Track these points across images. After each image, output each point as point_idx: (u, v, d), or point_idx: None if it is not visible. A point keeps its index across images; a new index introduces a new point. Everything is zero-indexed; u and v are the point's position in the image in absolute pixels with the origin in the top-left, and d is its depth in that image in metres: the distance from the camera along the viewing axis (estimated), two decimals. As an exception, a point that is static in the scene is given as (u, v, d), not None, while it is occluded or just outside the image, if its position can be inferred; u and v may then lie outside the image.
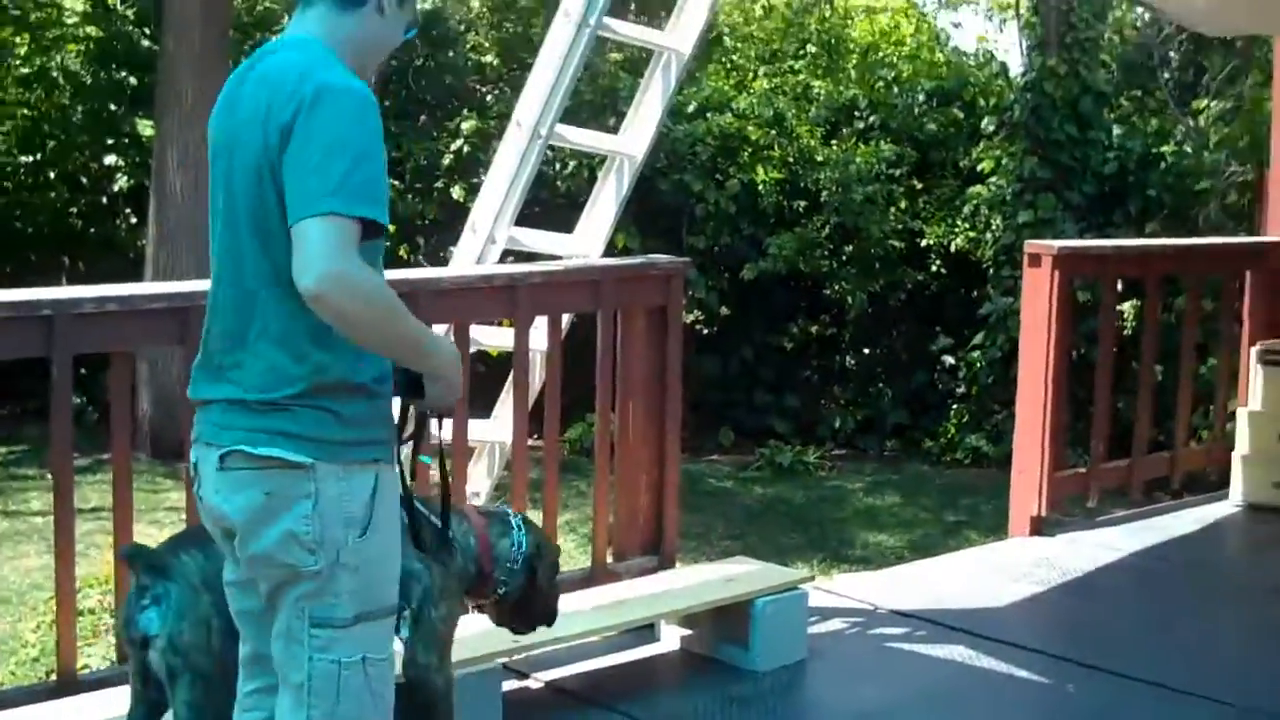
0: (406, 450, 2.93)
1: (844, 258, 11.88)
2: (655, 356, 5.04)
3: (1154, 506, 7.02)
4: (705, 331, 12.50)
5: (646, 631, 5.04)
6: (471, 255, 5.32)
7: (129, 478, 3.98)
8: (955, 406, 11.29)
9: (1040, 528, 6.47)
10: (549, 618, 3.85)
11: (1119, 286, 7.73)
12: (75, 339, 3.80)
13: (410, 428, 2.90)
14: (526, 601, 3.72)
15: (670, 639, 4.97)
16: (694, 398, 12.05)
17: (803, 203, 12.08)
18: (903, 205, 11.96)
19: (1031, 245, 6.53)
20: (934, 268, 12.01)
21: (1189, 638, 5.28)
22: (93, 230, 12.20)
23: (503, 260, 5.56)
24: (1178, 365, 7.31)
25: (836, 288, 11.84)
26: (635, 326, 5.01)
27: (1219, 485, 7.22)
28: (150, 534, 5.71)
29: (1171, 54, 12.50)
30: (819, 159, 11.94)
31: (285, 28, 2.90)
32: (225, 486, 2.73)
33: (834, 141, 12.28)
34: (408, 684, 3.39)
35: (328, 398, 2.68)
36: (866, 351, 12.40)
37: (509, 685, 4.50)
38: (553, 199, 11.07)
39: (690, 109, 12.09)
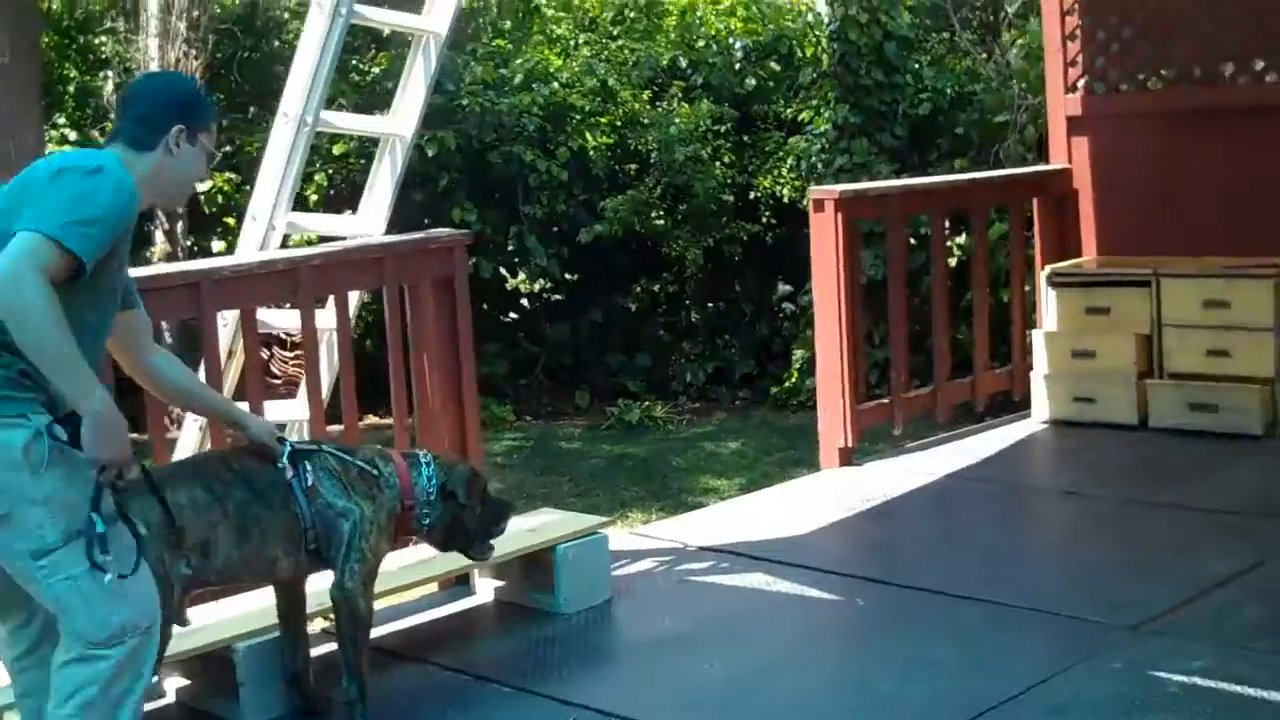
0: None
1: (678, 216, 12.16)
2: (446, 327, 5.25)
3: (960, 430, 7.37)
4: (552, 299, 12.76)
5: (462, 588, 5.29)
6: (255, 243, 5.51)
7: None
8: (796, 352, 11.63)
9: (849, 459, 6.81)
10: (495, 529, 4.33)
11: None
12: None
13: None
14: (458, 525, 4.19)
15: (485, 592, 5.23)
16: (547, 363, 12.35)
17: (633, 165, 12.34)
18: (728, 160, 12.25)
19: (815, 192, 6.86)
20: (765, 219, 12.34)
21: (977, 547, 5.64)
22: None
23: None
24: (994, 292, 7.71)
25: (674, 246, 12.11)
26: (424, 299, 5.23)
27: (1023, 406, 7.60)
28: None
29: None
30: (645, 122, 12.20)
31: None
32: None
33: (659, 104, 12.55)
34: (334, 605, 3.99)
35: None
36: (710, 306, 12.70)
37: (325, 649, 4.73)
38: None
39: (517, 80, 12.28)
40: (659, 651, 4.71)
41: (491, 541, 4.35)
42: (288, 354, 10.25)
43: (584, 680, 4.46)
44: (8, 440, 3.10)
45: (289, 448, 3.92)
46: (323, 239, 6.03)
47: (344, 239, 5.86)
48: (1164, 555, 5.34)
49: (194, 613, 4.09)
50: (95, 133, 12.26)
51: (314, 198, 11.46)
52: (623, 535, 6.09)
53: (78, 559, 3.15)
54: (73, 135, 12.01)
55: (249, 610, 4.37)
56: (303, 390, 5.52)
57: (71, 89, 12.61)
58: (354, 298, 5.72)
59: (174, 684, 4.52)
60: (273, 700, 4.25)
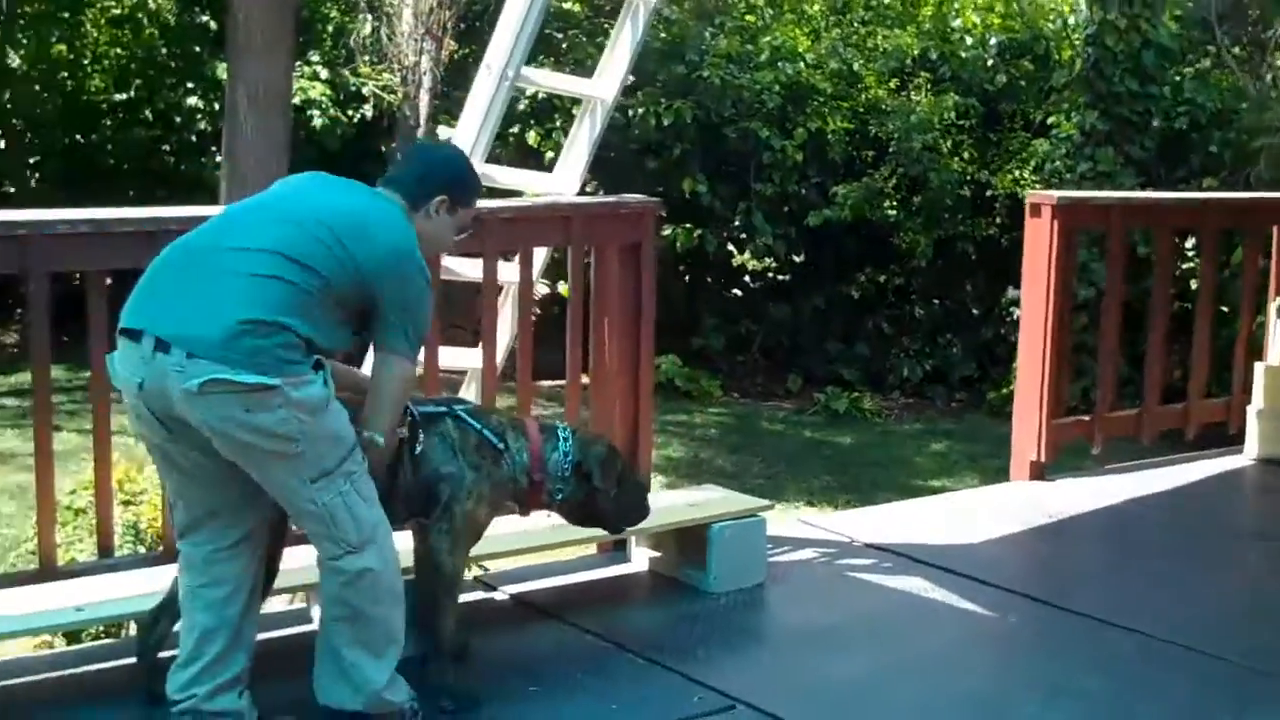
0: None
1: (911, 208, 11.96)
2: (630, 293, 5.22)
3: (1164, 458, 7.08)
4: (777, 279, 12.69)
5: (619, 553, 5.30)
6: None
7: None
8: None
9: (1040, 473, 6.59)
10: (634, 512, 4.32)
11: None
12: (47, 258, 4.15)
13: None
14: (592, 503, 4.16)
15: (640, 561, 5.22)
16: (764, 343, 12.31)
17: (870, 152, 12.18)
18: (968, 156, 11.99)
19: (1032, 196, 6.63)
20: (1001, 220, 12.04)
21: (1148, 578, 5.41)
22: (182, 167, 12.68)
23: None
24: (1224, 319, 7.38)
25: (904, 237, 11.93)
26: (609, 263, 5.21)
27: (1237, 441, 7.25)
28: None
29: (1251, 10, 12.33)
30: (887, 109, 12.02)
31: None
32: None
33: (904, 92, 12.34)
34: (419, 560, 3.99)
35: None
36: (936, 302, 12.47)
37: (477, 595, 4.79)
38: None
39: (762, 57, 12.23)
40: (798, 643, 4.64)
41: (625, 524, 4.33)
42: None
43: (718, 662, 4.41)
44: (310, 393, 3.44)
45: (411, 415, 3.89)
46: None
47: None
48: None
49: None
50: (346, 72, 12.63)
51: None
52: (791, 522, 6.01)
53: (344, 476, 3.53)
54: (324, 73, 12.39)
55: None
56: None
57: (330, 28, 12.99)
58: (540, 255, 5.73)
59: (644, 553, 5.12)
60: (741, 574, 4.81)
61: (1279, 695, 4.26)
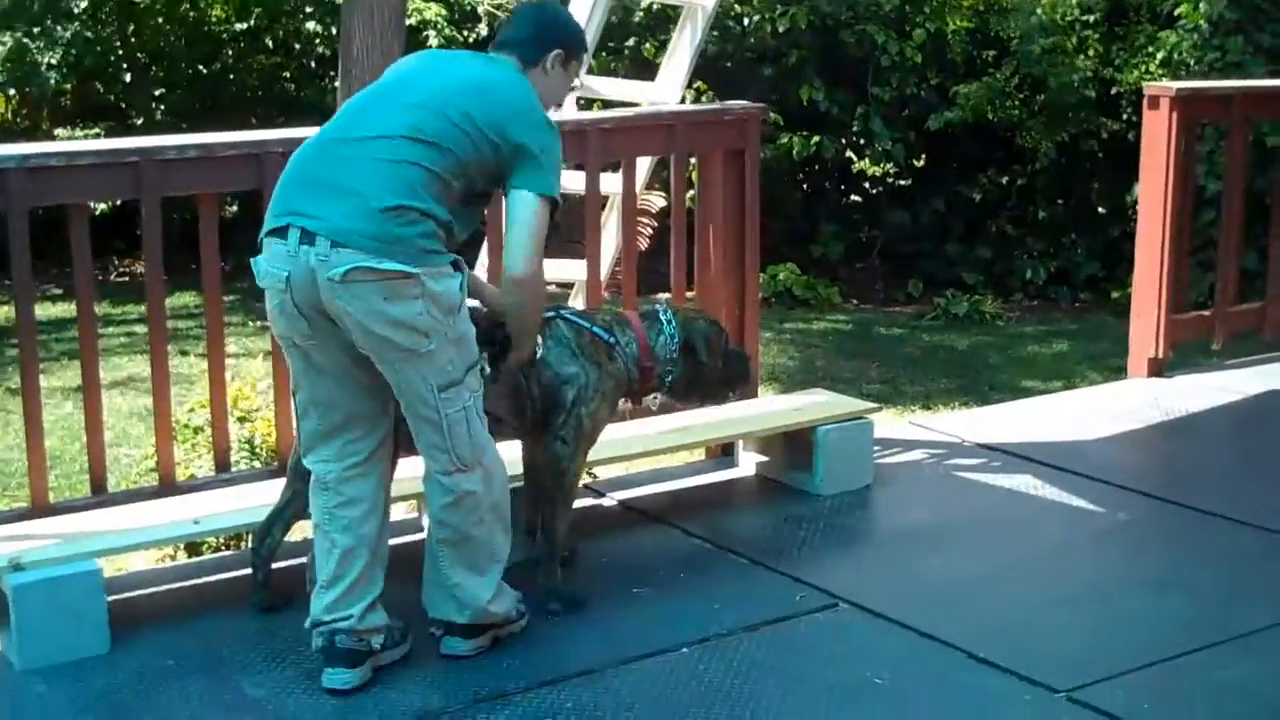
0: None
1: (1034, 107, 11.74)
2: (734, 198, 5.23)
3: (1287, 351, 6.93)
4: (896, 184, 12.56)
5: (727, 459, 5.34)
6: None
7: (218, 306, 4.46)
8: (1143, 257, 11.12)
9: (1159, 369, 6.50)
10: (739, 380, 4.44)
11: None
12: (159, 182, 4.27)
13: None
14: (699, 378, 4.25)
15: (747, 465, 5.26)
16: (884, 249, 12.21)
17: (992, 52, 11.96)
18: (1093, 53, 11.72)
19: (1150, 87, 6.48)
20: (1127, 116, 11.77)
21: (1272, 477, 5.31)
22: (303, 94, 12.85)
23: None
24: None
25: (1027, 137, 11.72)
26: (713, 170, 5.22)
27: (1365, 331, 7.07)
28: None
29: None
30: (1008, 6, 11.78)
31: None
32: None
33: (1026, -11, 12.09)
34: (543, 464, 4.04)
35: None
36: (1060, 203, 12.26)
37: (586, 502, 4.86)
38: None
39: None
40: (903, 542, 4.65)
41: (731, 392, 4.43)
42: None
43: (822, 561, 4.44)
44: (449, 287, 3.50)
45: None
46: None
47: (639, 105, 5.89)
48: None
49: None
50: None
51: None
52: (901, 424, 6.00)
53: (469, 390, 3.59)
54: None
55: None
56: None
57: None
58: (643, 165, 5.73)
59: (752, 458, 5.16)
60: (847, 476, 4.92)
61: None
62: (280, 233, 3.47)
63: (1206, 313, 6.82)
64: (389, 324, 3.43)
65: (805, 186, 12.38)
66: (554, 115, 3.83)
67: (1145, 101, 6.43)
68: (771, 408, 5.28)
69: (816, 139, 11.46)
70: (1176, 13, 11.36)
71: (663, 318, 4.20)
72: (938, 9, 11.74)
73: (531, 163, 3.57)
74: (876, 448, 5.20)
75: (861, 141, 12.03)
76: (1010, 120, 11.67)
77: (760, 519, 4.82)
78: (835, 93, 11.67)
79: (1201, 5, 10.82)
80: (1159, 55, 11.39)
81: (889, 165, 12.12)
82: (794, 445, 5.04)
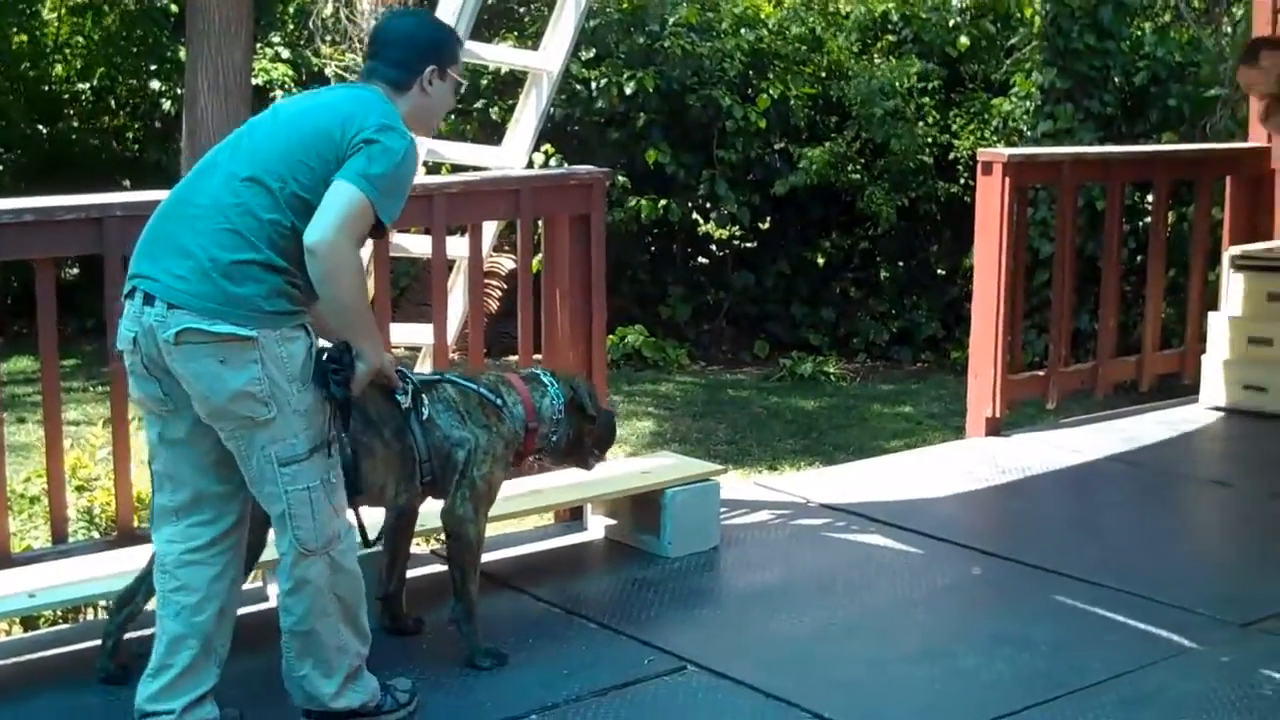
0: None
1: (875, 171, 12.00)
2: (580, 262, 5.28)
3: (1119, 410, 7.16)
4: (742, 246, 12.72)
5: (576, 523, 5.36)
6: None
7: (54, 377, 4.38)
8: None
9: (996, 429, 6.67)
10: (609, 439, 4.50)
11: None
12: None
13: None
14: (580, 439, 4.33)
15: (596, 529, 5.28)
16: (731, 311, 12.34)
17: (834, 117, 12.21)
18: (931, 119, 12.03)
19: (983, 154, 6.70)
20: (964, 180, 12.09)
21: (1105, 530, 5.50)
22: (146, 154, 12.68)
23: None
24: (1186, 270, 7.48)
25: (869, 201, 11.95)
26: (560, 234, 5.27)
27: (1192, 391, 7.33)
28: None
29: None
30: (850, 74, 12.05)
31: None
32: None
33: (866, 57, 12.38)
34: (446, 531, 4.08)
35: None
36: (901, 264, 12.51)
37: (433, 569, 4.84)
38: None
39: (724, 25, 12.24)
40: (750, 603, 4.70)
41: (601, 452, 4.48)
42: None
43: (670, 624, 4.48)
44: (292, 351, 3.39)
45: (410, 382, 3.94)
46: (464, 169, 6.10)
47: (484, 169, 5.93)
48: (1296, 554, 5.13)
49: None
50: (308, 53, 12.62)
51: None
52: (748, 485, 6.08)
53: (315, 472, 3.47)
54: (286, 54, 12.38)
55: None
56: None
57: (291, 9, 12.98)
58: (490, 229, 5.77)
59: (601, 521, 5.18)
60: (695, 538, 4.97)
61: (1228, 641, 4.32)
62: (130, 294, 3.42)
63: (1041, 372, 7.01)
64: (225, 392, 3.34)
65: (653, 249, 12.49)
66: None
67: (979, 167, 6.64)
68: (620, 470, 5.32)
69: (664, 202, 11.58)
70: (1010, 81, 11.74)
71: (545, 379, 4.26)
72: (781, 74, 11.96)
73: (361, 154, 3.38)
74: (723, 509, 5.26)
75: (708, 204, 12.18)
76: (852, 184, 11.91)
77: (609, 582, 4.84)
78: (682, 156, 11.81)
79: (1034, 74, 11.18)
80: (994, 122, 11.75)
81: (735, 228, 12.28)
82: (642, 508, 5.08)
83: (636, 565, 4.95)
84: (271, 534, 3.62)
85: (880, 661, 4.23)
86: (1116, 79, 10.96)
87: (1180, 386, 7.51)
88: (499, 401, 4.11)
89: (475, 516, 4.04)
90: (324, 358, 3.49)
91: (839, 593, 4.78)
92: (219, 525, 3.54)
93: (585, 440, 4.34)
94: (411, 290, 10.36)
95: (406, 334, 5.64)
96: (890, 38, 12.52)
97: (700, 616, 4.61)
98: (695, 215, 12.26)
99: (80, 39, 12.63)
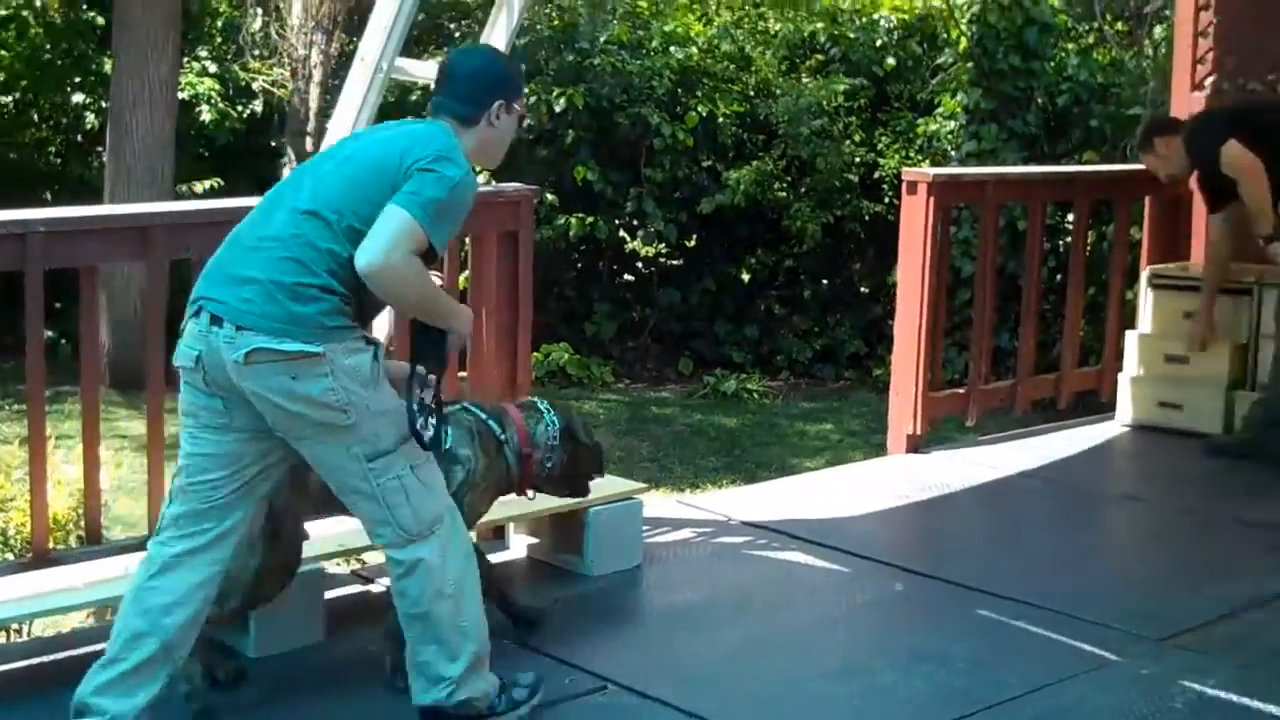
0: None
1: (802, 190, 12.09)
2: (507, 279, 5.27)
3: (1037, 427, 7.24)
4: (668, 264, 12.77)
5: (498, 542, 5.34)
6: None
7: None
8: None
9: (916, 446, 6.72)
10: (599, 469, 4.55)
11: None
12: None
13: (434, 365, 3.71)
14: (574, 467, 4.39)
15: (518, 548, 5.27)
16: (656, 328, 12.39)
17: (761, 136, 12.29)
18: (858, 138, 12.14)
19: (908, 173, 6.76)
20: (889, 199, 12.20)
21: (1023, 546, 5.57)
22: (68, 168, 12.55)
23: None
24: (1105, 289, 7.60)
25: (795, 219, 12.04)
26: (487, 251, 5.26)
27: (1109, 408, 7.43)
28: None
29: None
30: (777, 92, 12.14)
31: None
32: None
33: (793, 75, 12.47)
34: None
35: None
36: (825, 282, 12.62)
37: (353, 589, 4.83)
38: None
39: (654, 44, 12.30)
40: (672, 621, 4.72)
41: (592, 481, 4.54)
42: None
43: (592, 643, 4.48)
44: (359, 362, 3.52)
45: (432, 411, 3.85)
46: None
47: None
48: (1210, 570, 5.22)
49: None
50: (236, 67, 12.54)
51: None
52: (670, 503, 6.10)
53: (404, 460, 3.60)
54: (213, 68, 12.30)
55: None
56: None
57: (219, 23, 12.90)
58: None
59: (523, 540, 5.15)
60: (617, 557, 4.93)
61: (1143, 655, 4.38)
62: (196, 314, 3.54)
63: (962, 390, 7.08)
64: (300, 401, 3.47)
65: (580, 266, 12.52)
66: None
67: (904, 187, 6.70)
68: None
69: (592, 219, 11.61)
70: (936, 101, 11.88)
71: (541, 407, 4.33)
72: (709, 93, 12.03)
73: (414, 180, 3.50)
74: (646, 527, 5.27)
75: (635, 222, 12.22)
76: (778, 202, 11.99)
77: (531, 601, 4.81)
78: (610, 174, 11.85)
79: (959, 95, 11.32)
80: (919, 141, 11.87)
81: (661, 246, 12.33)
82: (565, 527, 5.07)
83: (559, 584, 4.95)
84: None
85: (800, 679, 4.25)
86: (1040, 100, 11.12)
87: (1098, 404, 7.60)
88: (503, 436, 4.18)
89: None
90: (417, 338, 3.70)
91: (760, 610, 4.80)
92: (214, 533, 3.61)
93: (580, 468, 4.41)
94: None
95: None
96: (818, 57, 12.63)
97: (622, 635, 4.62)
98: (622, 233, 12.30)
99: (3, 52, 12.47)
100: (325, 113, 12.05)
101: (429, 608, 3.65)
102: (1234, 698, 4.08)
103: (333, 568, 4.92)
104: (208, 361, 3.50)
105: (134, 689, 3.51)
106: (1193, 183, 6.95)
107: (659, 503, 6.19)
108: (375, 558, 5.14)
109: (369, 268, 3.43)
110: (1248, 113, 6.63)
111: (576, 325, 11.90)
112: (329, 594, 4.55)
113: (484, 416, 4.18)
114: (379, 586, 4.89)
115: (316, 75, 12.44)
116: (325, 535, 4.41)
